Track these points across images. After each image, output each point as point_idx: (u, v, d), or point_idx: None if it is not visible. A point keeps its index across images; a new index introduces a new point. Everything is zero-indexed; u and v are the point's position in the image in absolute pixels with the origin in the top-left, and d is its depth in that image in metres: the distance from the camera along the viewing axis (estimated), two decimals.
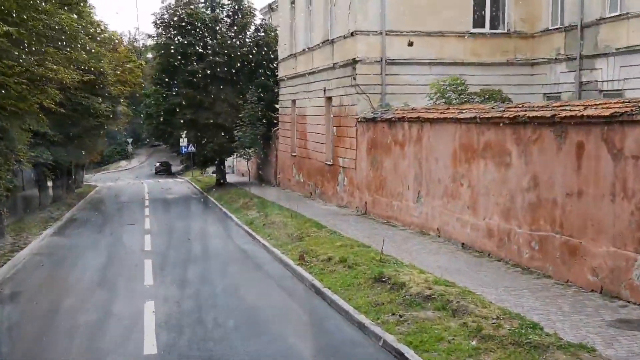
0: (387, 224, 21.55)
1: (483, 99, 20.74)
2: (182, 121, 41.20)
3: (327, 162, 29.42)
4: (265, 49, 41.98)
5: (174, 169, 75.93)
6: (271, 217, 24.33)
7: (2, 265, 16.79)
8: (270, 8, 52.41)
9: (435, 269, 14.01)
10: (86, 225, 26.99)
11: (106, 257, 18.88)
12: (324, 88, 29.57)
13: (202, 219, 28.70)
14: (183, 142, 58.75)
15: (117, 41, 42.43)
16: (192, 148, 56.36)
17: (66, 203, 33.35)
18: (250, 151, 35.76)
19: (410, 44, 25.24)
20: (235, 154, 43.47)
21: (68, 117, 29.27)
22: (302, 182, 33.91)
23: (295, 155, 35.53)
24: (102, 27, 35.00)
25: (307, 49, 32.62)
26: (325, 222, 22.14)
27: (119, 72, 37.65)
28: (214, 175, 45.04)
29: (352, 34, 25.62)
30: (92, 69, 26.07)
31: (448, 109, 18.47)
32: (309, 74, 31.93)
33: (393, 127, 21.80)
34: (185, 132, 52.71)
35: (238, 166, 55.23)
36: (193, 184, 50.62)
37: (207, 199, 37.08)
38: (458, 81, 21.17)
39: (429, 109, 19.96)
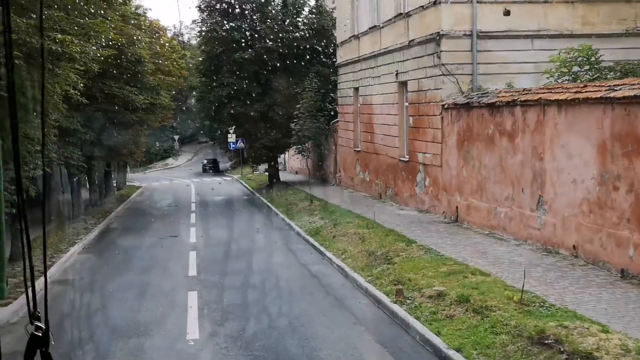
0: (491, 237, 17.02)
1: (620, 74, 16.03)
2: (230, 114, 37.15)
3: (402, 159, 24.97)
4: (322, 33, 37.61)
5: (222, 166, 72.45)
6: (341, 226, 20.03)
7: (8, 305, 12.72)
8: None
9: (612, 318, 9.49)
10: (121, 238, 23.07)
11: (140, 287, 14.73)
12: (396, 71, 25.11)
13: (256, 226, 24.54)
14: (231, 137, 55.33)
15: (158, 31, 38.51)
16: (241, 144, 52.67)
17: (102, 210, 29.55)
18: (309, 146, 31.38)
19: (507, 12, 20.62)
20: (289, 149, 39.30)
21: (102, 111, 25.50)
22: (369, 182, 29.52)
23: (359, 151, 31.16)
24: (140, 11, 31.03)
25: (372, 28, 28.17)
26: (411, 234, 17.75)
27: (160, 62, 33.72)
28: (266, 173, 40.93)
29: (434, 3, 21.09)
30: (123, 47, 22.08)
31: (585, 86, 13.84)
32: (377, 55, 27.50)
33: (497, 113, 17.23)
34: (234, 127, 49.25)
35: (291, 163, 51.09)
36: (243, 182, 46.66)
37: (260, 202, 32.98)
38: (590, 52, 16.43)
39: (552, 88, 15.33)
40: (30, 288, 2.03)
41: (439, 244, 16.26)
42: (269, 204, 30.92)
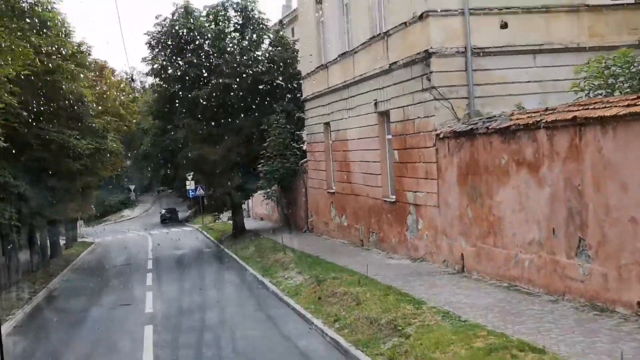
0: (513, 290, 13.88)
1: None
2: (185, 160, 33.78)
3: (387, 199, 21.88)
4: (284, 66, 34.67)
5: (181, 215, 68.72)
6: (326, 284, 16.73)
7: None
8: (281, 24, 45.60)
9: None
10: (63, 311, 19.22)
11: None
12: (375, 100, 22.18)
13: (224, 287, 21.04)
14: (190, 184, 51.93)
15: (103, 70, 35.12)
16: (200, 191, 49.30)
17: (44, 274, 25.74)
18: (276, 190, 27.99)
19: (504, 25, 17.91)
20: (254, 194, 35.99)
21: (38, 161, 21.98)
22: (347, 227, 26.32)
23: (333, 192, 28.00)
24: (84, 48, 27.68)
25: (343, 54, 25.30)
26: (414, 292, 14.54)
27: (106, 104, 30.34)
28: (230, 221, 37.44)
29: (420, 17, 18.22)
30: (58, 83, 18.80)
31: (638, 97, 10.90)
32: (350, 85, 24.58)
33: (512, 140, 14.23)
34: (192, 173, 46.02)
35: (255, 209, 47.67)
36: (205, 233, 43.07)
37: (226, 255, 29.51)
38: (628, 58, 13.57)
39: (586, 103, 12.37)
40: None
41: (455, 304, 13.05)
42: (235, 257, 27.50)
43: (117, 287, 22.47)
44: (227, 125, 33.75)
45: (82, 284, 24.78)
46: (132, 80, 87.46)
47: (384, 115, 21.93)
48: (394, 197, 21.22)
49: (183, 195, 65.82)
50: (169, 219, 65.81)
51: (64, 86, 21.91)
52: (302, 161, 32.68)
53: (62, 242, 39.98)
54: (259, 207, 45.67)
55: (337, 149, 27.14)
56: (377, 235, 22.93)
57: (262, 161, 24.58)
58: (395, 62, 20.12)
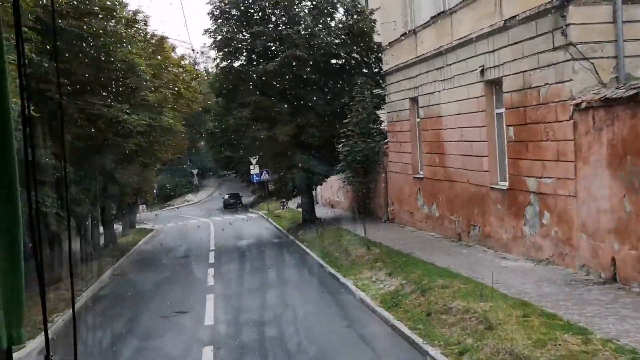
0: None
1: None
2: (251, 141, 30.52)
3: (496, 186, 18.09)
4: (360, 37, 30.94)
5: (245, 200, 65.96)
6: (433, 293, 13.10)
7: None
8: None
9: None
10: (108, 318, 15.80)
11: None
12: (481, 67, 18.33)
13: (300, 290, 17.53)
14: (254, 169, 49.04)
15: (163, 41, 31.97)
16: (266, 175, 46.28)
17: (96, 267, 22.77)
18: (351, 175, 24.16)
19: None
20: (326, 180, 32.51)
21: (84, 139, 18.95)
22: (439, 218, 22.60)
23: (421, 178, 24.29)
24: (135, 13, 24.56)
25: (438, 15, 21.49)
26: (564, 312, 10.82)
27: (165, 76, 27.22)
28: (299, 209, 34.03)
29: None
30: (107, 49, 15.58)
31: None
32: (447, 51, 20.76)
33: None
34: (257, 157, 42.95)
35: (325, 195, 44.19)
36: (271, 220, 39.81)
37: (297, 247, 26.08)
38: None
39: None
40: (45, 331, 1.99)
41: (635, 336, 9.27)
42: (309, 250, 24.04)
43: (174, 287, 19.29)
44: (297, 103, 30.35)
45: (135, 281, 21.71)
46: (195, 63, 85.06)
47: (494, 84, 18.10)
48: (506, 184, 17.40)
49: (247, 180, 63.16)
50: (233, 205, 63.14)
51: (114, 52, 18.71)
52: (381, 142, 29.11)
53: (119, 229, 37.40)
54: (329, 193, 42.22)
55: (426, 128, 23.38)
56: (480, 229, 19.14)
57: (343, 140, 20.88)
58: (513, 17, 16.24)
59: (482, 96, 18.57)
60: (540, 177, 15.44)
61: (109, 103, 18.89)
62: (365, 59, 31.92)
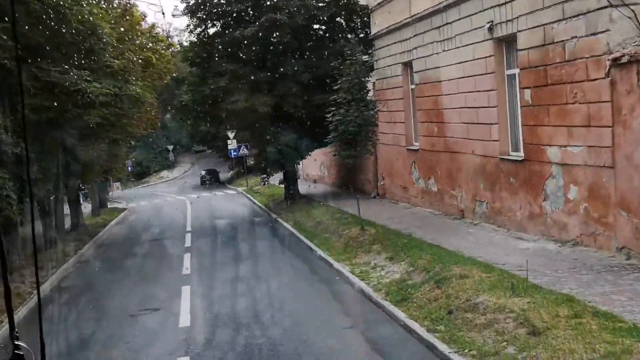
0: None
1: None
2: (228, 114, 28.17)
3: (507, 157, 16.08)
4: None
5: (222, 176, 63.63)
6: (452, 286, 10.98)
7: None
8: None
9: None
10: (68, 317, 13.46)
11: None
12: (490, 23, 16.19)
13: (288, 279, 15.38)
14: (231, 143, 46.80)
15: (132, 9, 29.24)
16: (244, 150, 44.06)
17: (60, 252, 20.45)
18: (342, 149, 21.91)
19: None
20: (310, 154, 30.31)
21: (40, 111, 16.58)
22: (437, 193, 20.58)
23: (416, 150, 22.23)
24: None
25: None
26: (620, 309, 8.87)
27: (132, 41, 24.75)
28: (281, 185, 31.82)
29: None
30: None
31: None
32: (447, 7, 18.58)
33: None
34: (235, 131, 40.65)
35: (306, 169, 41.97)
36: (251, 197, 37.56)
37: (281, 227, 23.95)
38: None
39: None
40: (10, 309, 2.05)
41: None
42: (293, 230, 21.92)
43: (145, 277, 17.07)
44: (277, 71, 28.02)
45: (101, 269, 19.43)
46: (168, 36, 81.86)
47: (505, 42, 15.99)
48: (521, 154, 15.39)
49: (224, 155, 60.75)
50: (209, 181, 60.80)
51: (71, 12, 16.27)
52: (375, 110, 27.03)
53: (88, 209, 34.98)
54: (312, 168, 40.04)
55: (422, 94, 21.26)
56: (488, 205, 17.15)
57: (332, 109, 18.43)
58: None
59: (490, 56, 16.45)
60: (565, 146, 13.42)
61: (66, 69, 16.44)
62: (350, 23, 29.65)
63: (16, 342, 1.92)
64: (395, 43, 23.26)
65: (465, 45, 17.63)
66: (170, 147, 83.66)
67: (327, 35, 29.55)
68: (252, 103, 27.30)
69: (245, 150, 44.83)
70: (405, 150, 23.11)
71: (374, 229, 18.21)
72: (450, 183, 19.53)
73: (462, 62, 17.94)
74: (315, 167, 38.54)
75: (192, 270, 16.89)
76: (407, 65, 22.65)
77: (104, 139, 25.21)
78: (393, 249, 15.35)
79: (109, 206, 41.59)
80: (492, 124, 16.57)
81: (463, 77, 17.96)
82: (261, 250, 19.70)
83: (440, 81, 19.58)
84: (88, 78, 16.71)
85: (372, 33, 25.84)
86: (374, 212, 21.62)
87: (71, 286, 16.84)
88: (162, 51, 34.32)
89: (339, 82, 18.14)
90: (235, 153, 48.32)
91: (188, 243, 22.02)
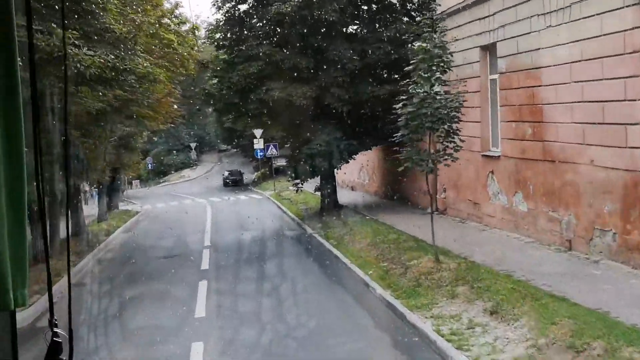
0: None
1: None
2: (261, 102, 23.55)
3: None
4: None
5: (246, 178, 59.23)
6: None
7: None
8: None
9: None
10: None
11: None
12: None
13: (343, 337, 10.67)
14: (258, 143, 42.44)
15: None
16: (273, 151, 39.64)
17: (46, 272, 15.88)
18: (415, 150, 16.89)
19: None
20: (354, 157, 25.63)
21: None
22: (527, 213, 15.88)
23: (496, 156, 17.58)
24: None
25: None
26: None
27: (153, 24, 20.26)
28: (316, 193, 27.20)
29: None
30: None
31: None
32: None
33: None
34: (262, 130, 36.46)
35: (341, 174, 37.15)
36: (280, 205, 33.01)
37: (320, 247, 19.33)
38: None
39: None
40: (50, 295, 1.99)
41: None
42: (338, 253, 17.32)
43: (143, 319, 12.48)
44: (320, 56, 23.52)
45: (88, 304, 14.79)
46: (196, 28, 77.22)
47: None
48: None
49: (250, 155, 56.38)
50: (233, 183, 56.39)
51: None
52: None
53: (95, 211, 30.65)
54: (349, 174, 35.24)
55: (510, 86, 16.58)
56: (615, 236, 12.41)
57: (403, 97, 13.67)
58: None
59: (633, 29, 11.73)
60: None
61: (53, 28, 11.91)
62: (406, 2, 24.99)
63: (55, 330, 1.82)
64: (470, 22, 18.62)
65: (588, 17, 12.91)
66: (193, 145, 79.52)
67: (381, 13, 24.88)
68: (289, 93, 22.83)
69: (274, 150, 40.42)
70: (480, 157, 18.43)
71: (451, 261, 13.60)
72: (550, 202, 14.82)
73: (581, 40, 13.22)
74: (353, 172, 33.86)
75: (208, 312, 12.32)
76: (487, 49, 18.03)
77: (108, 129, 20.91)
78: (492, 298, 10.74)
79: (120, 208, 37.29)
80: (630, 124, 11.84)
81: (581, 61, 13.24)
82: (298, 281, 15.08)
83: (541, 67, 14.88)
84: (77, 42, 12.17)
85: (438, 12, 21.13)
86: (440, 234, 17.00)
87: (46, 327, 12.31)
88: (185, 35, 30.01)
89: (411, 62, 13.57)
90: (262, 153, 43.98)
91: (205, 265, 17.46)
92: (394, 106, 14.07)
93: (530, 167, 15.69)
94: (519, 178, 16.27)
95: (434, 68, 13.23)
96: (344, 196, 27.98)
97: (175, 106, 41.34)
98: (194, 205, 39.08)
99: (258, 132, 40.93)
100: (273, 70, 23.61)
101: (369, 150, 26.75)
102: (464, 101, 14.08)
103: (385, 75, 24.43)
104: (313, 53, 23.57)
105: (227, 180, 56.77)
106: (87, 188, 35.23)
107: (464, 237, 16.70)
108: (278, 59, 23.04)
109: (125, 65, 14.15)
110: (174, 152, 78.82)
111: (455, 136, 13.56)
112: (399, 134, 14.20)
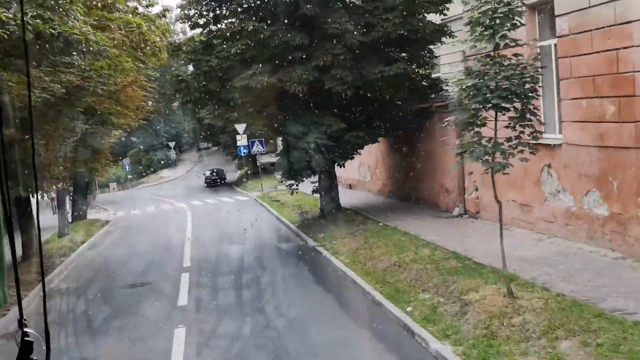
0: None
1: None
2: (245, 89, 19.39)
3: None
4: None
5: (229, 177, 55.25)
6: None
7: None
8: None
9: None
10: None
11: None
12: None
13: None
14: (241, 139, 38.49)
15: None
16: (259, 147, 35.68)
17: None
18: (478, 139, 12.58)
19: None
20: (358, 152, 21.51)
21: None
22: (607, 219, 11.97)
23: (556, 145, 13.66)
24: None
25: None
26: None
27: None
28: (315, 195, 23.09)
29: None
30: None
31: None
32: None
33: None
34: (245, 125, 32.87)
35: (340, 173, 33.09)
36: (269, 207, 28.95)
37: (329, 266, 15.33)
38: None
39: None
40: (21, 296, 2.04)
41: None
42: (356, 277, 13.30)
43: None
44: (318, 30, 19.44)
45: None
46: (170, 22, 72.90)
47: None
48: None
49: (232, 153, 52.32)
50: (215, 183, 52.49)
51: None
52: (434, 103, 18.49)
53: (55, 222, 26.34)
54: (347, 170, 31.23)
55: (578, 51, 12.60)
56: None
57: (462, 73, 9.56)
58: None
59: None
60: None
61: None
62: None
63: (25, 330, 1.92)
64: None
65: None
66: (172, 144, 75.30)
67: None
68: (280, 78, 18.77)
69: (260, 147, 36.36)
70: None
71: (529, 292, 9.66)
72: None
73: None
74: (352, 169, 29.80)
75: None
76: (536, 9, 14.08)
77: (61, 127, 16.82)
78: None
79: (89, 216, 33.00)
80: None
81: None
82: (310, 324, 11.01)
83: (632, 21, 10.92)
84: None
85: None
86: (479, 248, 13.13)
87: None
88: (155, 18, 25.93)
89: (467, 13, 9.55)
90: (245, 151, 39.98)
91: (183, 297, 13.38)
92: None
93: (613, 157, 11.75)
94: (594, 172, 12.33)
95: (498, 21, 9.18)
96: (343, 196, 23.94)
97: (150, 103, 37.12)
98: (173, 210, 34.92)
99: (241, 127, 36.99)
100: (259, 50, 19.58)
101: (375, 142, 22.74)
102: (542, 67, 10.08)
103: (394, 53, 20.41)
104: (307, 27, 19.48)
105: (209, 180, 53.28)
106: (53, 195, 31.13)
107: (519, 251, 12.73)
108: (265, 35, 18.91)
109: (55, 28, 9.95)
110: (153, 152, 74.74)
111: (533, 117, 9.51)
112: (451, 117, 10.09)
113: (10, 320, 12.14)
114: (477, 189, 17.44)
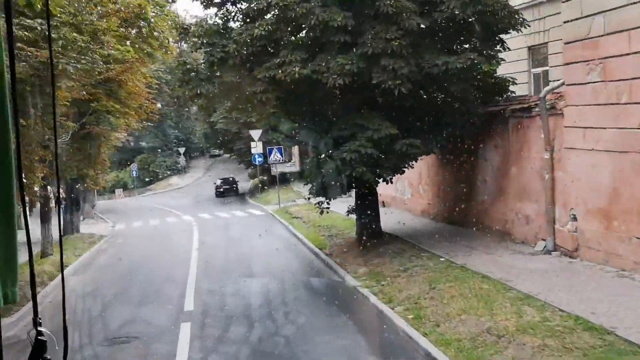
0: None
1: None
2: (272, 80, 15.23)
3: None
4: None
5: (241, 186, 51.25)
6: None
7: None
8: None
9: None
10: None
11: None
12: None
13: None
14: (256, 147, 34.81)
15: None
16: (277, 155, 31.72)
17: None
18: None
19: None
20: (413, 163, 17.19)
21: None
22: None
23: None
24: None
25: None
26: None
27: None
28: (352, 216, 18.81)
29: None
30: None
31: None
32: None
33: None
34: (260, 131, 29.52)
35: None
36: (290, 226, 24.70)
37: (388, 324, 10.98)
38: None
39: None
40: (36, 294, 1.95)
41: None
42: (434, 350, 9.01)
43: None
44: (365, 9, 15.28)
45: None
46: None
47: None
48: None
49: (246, 162, 48.34)
50: (226, 192, 48.55)
51: None
52: (547, 90, 14.14)
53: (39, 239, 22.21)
54: (381, 186, 26.88)
55: None
56: None
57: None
58: None
59: None
60: None
61: None
62: None
63: (39, 329, 1.84)
64: None
65: None
66: (182, 150, 71.73)
67: None
68: (316, 69, 14.62)
69: (279, 155, 32.35)
70: None
71: None
72: None
73: None
74: (388, 187, 25.44)
75: None
76: None
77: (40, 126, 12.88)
78: None
79: (83, 229, 28.86)
80: None
81: None
82: None
83: None
84: None
85: None
86: (613, 309, 8.96)
87: None
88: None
89: None
90: (260, 159, 36.12)
91: None
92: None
93: None
94: None
95: None
96: (391, 221, 19.62)
97: (159, 105, 33.58)
98: (178, 224, 30.79)
99: (256, 133, 33.28)
100: (290, 32, 15.47)
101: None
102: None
103: (459, 41, 16.26)
104: (352, 4, 15.32)
105: (220, 190, 49.41)
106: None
107: None
108: (298, 13, 14.73)
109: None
110: (162, 157, 71.16)
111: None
112: None
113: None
114: (574, 218, 13.16)
